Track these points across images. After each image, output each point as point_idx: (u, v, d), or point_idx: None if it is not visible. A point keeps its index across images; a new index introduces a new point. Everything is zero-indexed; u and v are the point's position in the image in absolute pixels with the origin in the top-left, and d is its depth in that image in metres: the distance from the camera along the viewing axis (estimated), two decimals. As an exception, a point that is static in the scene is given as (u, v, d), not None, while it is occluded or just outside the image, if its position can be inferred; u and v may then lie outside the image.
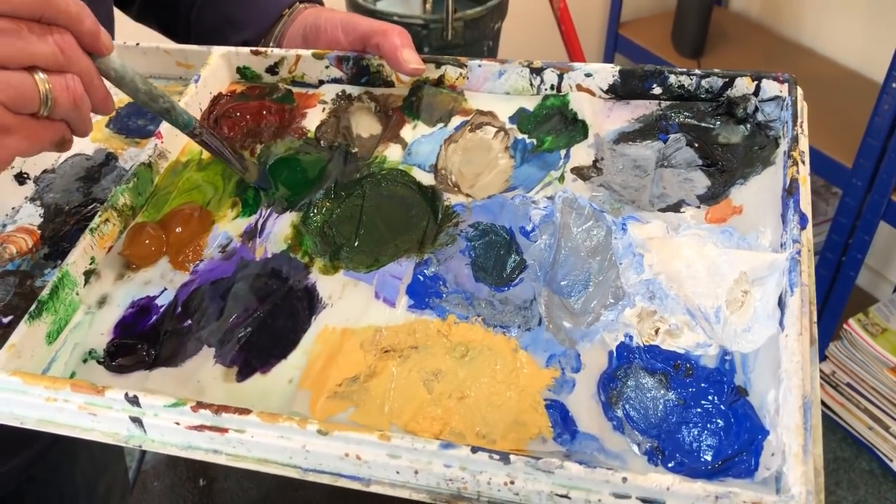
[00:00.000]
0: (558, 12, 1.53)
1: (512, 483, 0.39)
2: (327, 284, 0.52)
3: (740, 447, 0.40)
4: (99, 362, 0.51)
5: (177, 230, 0.56)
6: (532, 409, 0.44)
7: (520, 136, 0.61)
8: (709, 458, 0.40)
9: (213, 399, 0.45)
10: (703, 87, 0.60)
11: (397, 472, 0.41)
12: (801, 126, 0.54)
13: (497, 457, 0.38)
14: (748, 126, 0.58)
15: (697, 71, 0.59)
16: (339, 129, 0.63)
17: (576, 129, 0.60)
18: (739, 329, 0.45)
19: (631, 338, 0.47)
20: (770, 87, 0.58)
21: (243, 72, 0.67)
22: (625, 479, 0.37)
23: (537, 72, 0.62)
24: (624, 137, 0.59)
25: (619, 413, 0.43)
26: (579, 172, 0.57)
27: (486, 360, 0.47)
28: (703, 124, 0.59)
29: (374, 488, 0.42)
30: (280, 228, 0.56)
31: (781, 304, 0.45)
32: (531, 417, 0.43)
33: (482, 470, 0.39)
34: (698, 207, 0.53)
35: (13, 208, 0.62)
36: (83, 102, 0.44)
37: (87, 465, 0.79)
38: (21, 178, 0.64)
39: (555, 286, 0.50)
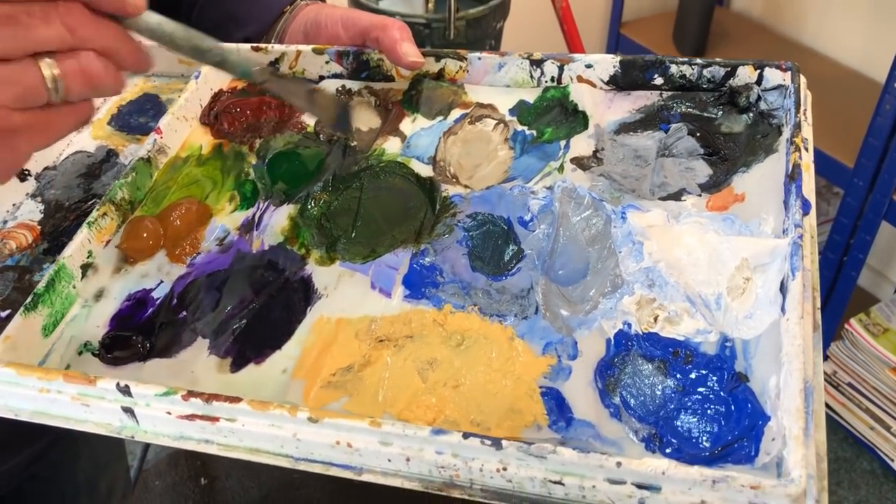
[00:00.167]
0: (560, 11, 1.53)
1: (504, 469, 0.38)
2: (323, 275, 0.52)
3: (740, 433, 0.39)
4: (94, 354, 0.50)
5: (175, 223, 0.56)
6: (527, 397, 0.43)
7: (520, 127, 0.60)
8: (707, 444, 0.39)
9: (207, 390, 0.45)
10: (705, 76, 0.59)
11: (389, 460, 0.40)
12: (805, 114, 0.53)
13: (489, 442, 0.37)
14: (751, 115, 0.57)
15: (699, 60, 0.58)
16: (339, 123, 0.63)
17: (576, 120, 0.60)
18: (741, 316, 0.44)
19: (630, 325, 0.46)
20: (773, 76, 0.57)
21: (244, 69, 0.67)
22: (619, 464, 0.36)
23: (537, 64, 0.61)
24: (625, 128, 0.58)
25: (617, 400, 0.42)
26: (579, 162, 0.56)
27: (481, 348, 0.46)
28: (705, 114, 0.58)
29: (365, 477, 0.41)
30: (277, 221, 0.56)
31: (783, 289, 0.44)
32: (526, 405, 0.42)
33: (474, 456, 0.38)
34: (699, 196, 0.52)
35: (14, 205, 0.62)
36: (102, 79, 0.39)
37: (88, 463, 0.78)
38: (22, 175, 0.64)
39: (552, 275, 0.49)
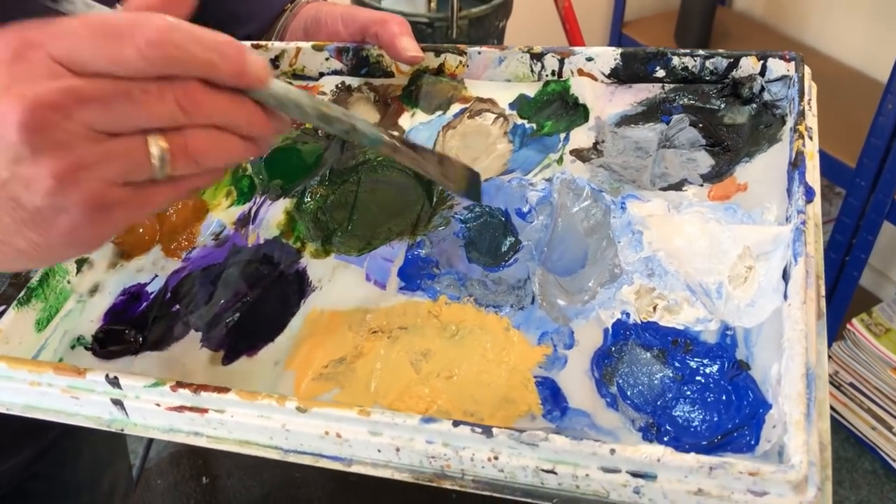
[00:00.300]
0: (562, 10, 1.53)
1: (496, 458, 0.37)
2: (317, 268, 0.51)
3: (741, 421, 0.38)
4: (87, 349, 0.50)
5: (170, 218, 0.56)
6: (522, 387, 0.42)
7: (519, 121, 0.59)
8: (706, 433, 0.38)
9: (198, 382, 0.44)
10: (708, 68, 0.58)
11: (378, 451, 0.39)
12: (809, 103, 0.52)
13: (479, 430, 0.36)
14: (754, 106, 0.56)
15: (701, 52, 0.57)
16: (338, 120, 0.62)
17: (577, 113, 0.59)
18: (742, 304, 0.43)
19: (628, 315, 0.44)
20: (776, 67, 0.56)
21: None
22: (613, 452, 0.34)
23: (538, 57, 0.61)
24: (626, 120, 0.57)
25: (614, 390, 0.41)
26: (579, 154, 0.55)
27: (476, 339, 0.45)
28: (708, 106, 0.57)
29: (355, 468, 0.40)
30: (273, 215, 0.55)
31: (786, 276, 0.43)
32: (520, 394, 0.41)
33: (465, 445, 0.37)
34: (701, 185, 0.51)
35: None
36: (210, 156, 0.36)
37: (90, 461, 0.78)
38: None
39: (550, 265, 0.48)
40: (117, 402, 0.43)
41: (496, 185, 0.54)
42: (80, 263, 0.54)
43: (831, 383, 1.55)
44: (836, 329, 1.55)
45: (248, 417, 0.41)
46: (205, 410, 0.41)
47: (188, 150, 0.35)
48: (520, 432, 0.36)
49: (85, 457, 0.77)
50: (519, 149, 0.57)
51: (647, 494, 0.35)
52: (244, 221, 0.55)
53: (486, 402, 0.41)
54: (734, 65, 0.57)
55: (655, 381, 0.41)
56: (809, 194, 0.46)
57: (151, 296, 0.52)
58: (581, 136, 0.56)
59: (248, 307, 0.50)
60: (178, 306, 0.51)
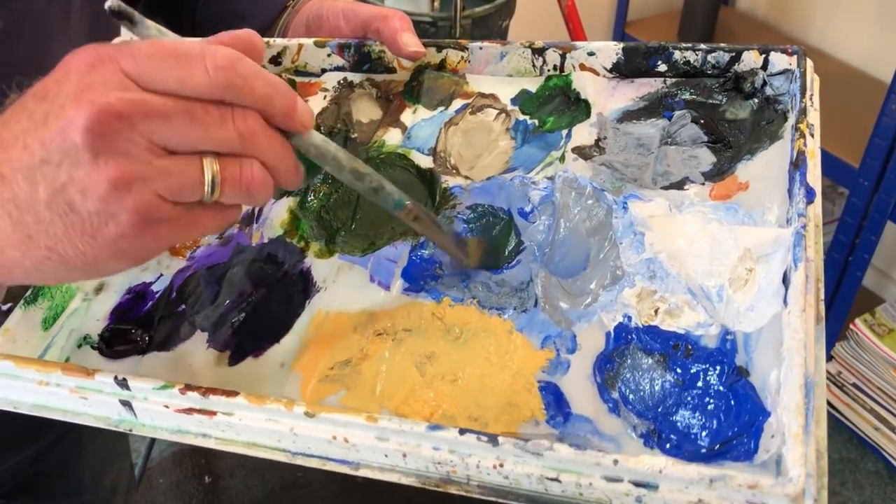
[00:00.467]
0: (566, 10, 1.52)
1: (501, 466, 0.37)
2: (322, 268, 0.52)
3: (740, 429, 0.38)
4: (93, 348, 0.50)
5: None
6: (525, 391, 0.42)
7: (521, 117, 0.59)
8: (706, 440, 0.39)
9: (205, 383, 0.44)
10: (710, 62, 0.58)
11: (386, 456, 0.40)
12: (811, 98, 0.52)
13: (485, 439, 0.37)
14: (756, 101, 0.56)
15: (703, 46, 0.57)
16: (340, 115, 0.62)
17: (579, 108, 0.59)
18: (742, 308, 0.44)
19: (630, 318, 0.45)
20: (778, 61, 0.56)
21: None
22: (616, 462, 0.35)
23: (539, 52, 0.60)
24: (628, 116, 0.57)
25: (616, 395, 0.42)
26: (581, 152, 0.55)
27: (480, 342, 0.45)
28: (710, 101, 0.57)
29: (362, 472, 0.41)
30: (277, 214, 0.55)
31: (786, 280, 0.43)
32: (524, 399, 0.42)
33: (471, 453, 0.38)
34: (703, 184, 0.52)
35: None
36: (259, 189, 0.37)
37: (92, 460, 0.79)
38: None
39: (552, 267, 0.49)
40: (126, 403, 0.44)
41: (498, 183, 0.54)
42: (85, 262, 0.54)
43: (834, 384, 1.56)
44: (839, 329, 1.56)
45: (257, 421, 0.41)
46: (213, 413, 0.42)
47: (240, 179, 0.36)
48: (525, 441, 0.36)
49: (87, 455, 0.78)
50: (521, 146, 0.57)
51: (648, 503, 0.35)
52: (248, 220, 0.55)
53: (490, 406, 0.42)
54: (736, 59, 0.57)
55: (657, 387, 0.42)
56: (810, 195, 0.46)
57: (157, 295, 0.52)
58: (583, 133, 0.56)
59: (254, 307, 0.50)
60: (183, 306, 0.51)
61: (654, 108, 0.58)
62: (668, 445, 0.39)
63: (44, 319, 0.51)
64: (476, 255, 0.50)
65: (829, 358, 1.57)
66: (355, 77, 0.64)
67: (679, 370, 0.42)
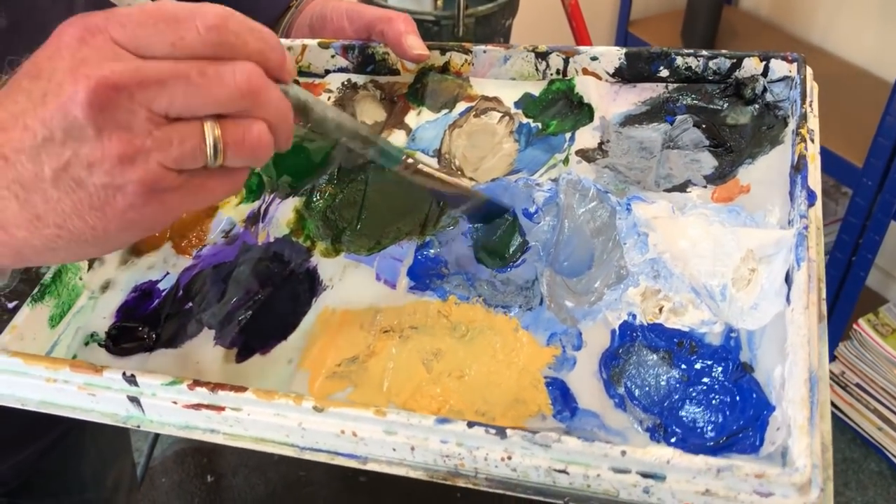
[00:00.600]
0: (569, 9, 1.53)
1: (509, 458, 0.38)
2: (328, 267, 0.52)
3: (745, 423, 0.39)
4: (100, 345, 0.51)
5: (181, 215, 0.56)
6: (532, 387, 0.43)
7: (525, 120, 0.60)
8: (712, 434, 0.39)
9: (212, 380, 0.45)
10: (711, 68, 0.59)
11: (394, 450, 0.40)
12: (811, 105, 0.53)
13: (493, 431, 0.37)
14: (756, 107, 0.57)
15: (704, 52, 0.58)
16: (344, 116, 0.63)
17: (581, 112, 0.59)
18: (746, 306, 0.44)
19: (634, 316, 0.46)
20: (779, 67, 0.57)
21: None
22: (623, 453, 0.36)
23: (543, 56, 0.61)
24: (630, 120, 0.58)
25: (621, 390, 0.42)
26: (584, 155, 0.56)
27: (486, 339, 0.46)
28: (711, 106, 0.58)
29: (370, 466, 0.41)
30: (283, 213, 0.56)
31: (788, 280, 0.44)
32: (531, 395, 0.43)
33: (479, 445, 0.38)
34: (705, 187, 0.52)
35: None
36: (262, 148, 0.36)
37: (95, 459, 0.79)
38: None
39: (557, 266, 0.49)
40: (134, 400, 0.44)
41: (503, 185, 0.55)
42: (92, 260, 0.54)
43: (837, 384, 1.56)
44: (842, 329, 1.56)
45: (265, 416, 0.42)
46: (222, 408, 0.42)
47: (242, 140, 0.35)
48: (533, 433, 0.37)
49: (89, 454, 0.78)
50: (525, 148, 0.58)
51: (655, 494, 0.36)
52: (254, 219, 0.56)
53: (497, 402, 0.43)
54: (737, 65, 0.58)
55: (662, 383, 0.42)
56: (811, 198, 0.47)
57: (163, 293, 0.53)
58: (586, 137, 0.57)
59: (261, 305, 0.50)
60: (190, 304, 0.51)
61: (656, 112, 0.58)
62: (673, 439, 0.40)
63: (51, 317, 0.51)
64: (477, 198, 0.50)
65: (833, 358, 1.57)
66: (359, 79, 0.65)
67: (684, 366, 0.43)
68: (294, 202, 0.56)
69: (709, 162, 0.54)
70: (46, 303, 0.51)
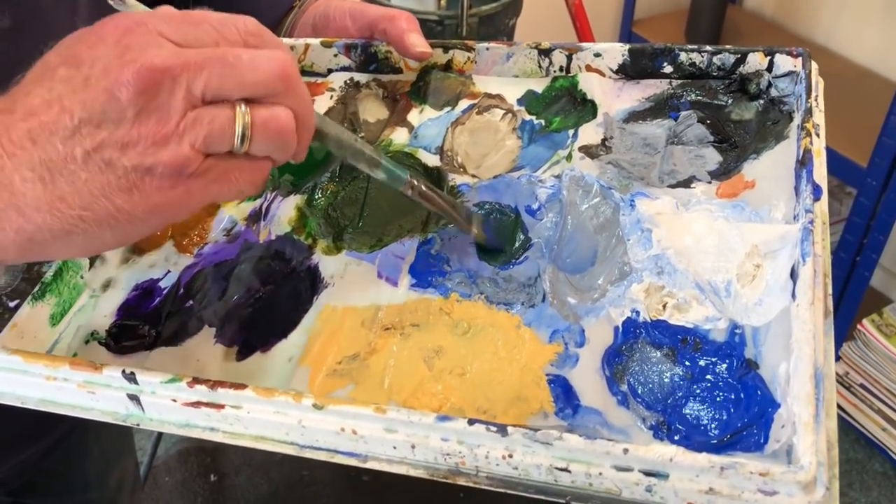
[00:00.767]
0: (573, 9, 1.53)
1: (510, 456, 0.37)
2: (330, 264, 0.52)
3: (749, 420, 0.38)
4: (101, 343, 0.50)
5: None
6: (534, 385, 0.42)
7: (528, 117, 0.60)
8: (716, 431, 0.39)
9: (213, 378, 0.44)
10: (715, 64, 0.58)
11: (394, 448, 0.40)
12: (816, 99, 0.52)
13: (494, 429, 0.37)
14: (761, 102, 0.56)
15: (708, 48, 0.58)
16: (346, 115, 0.63)
17: (585, 109, 0.59)
18: (751, 302, 0.44)
19: (638, 313, 0.45)
20: (783, 62, 0.56)
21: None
22: (626, 451, 0.35)
23: (545, 53, 0.61)
24: (634, 116, 0.58)
25: (624, 388, 0.42)
26: (587, 151, 0.56)
27: (488, 336, 0.45)
28: (715, 102, 0.57)
29: (370, 464, 0.41)
30: (284, 211, 0.56)
31: (794, 275, 0.43)
32: (533, 392, 0.42)
33: (480, 443, 0.38)
34: (709, 183, 0.52)
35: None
36: (289, 137, 0.37)
37: (98, 458, 0.79)
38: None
39: (560, 263, 0.49)
40: (133, 398, 0.44)
41: (505, 181, 0.54)
42: (93, 259, 0.54)
43: (841, 384, 1.56)
44: (846, 330, 1.55)
45: (265, 414, 0.41)
46: (221, 406, 0.42)
47: (269, 124, 0.36)
48: (534, 431, 0.36)
49: (93, 453, 0.78)
50: (528, 145, 0.57)
51: (658, 493, 0.35)
52: (255, 217, 0.55)
53: (498, 399, 0.42)
54: (741, 60, 0.58)
55: (665, 380, 0.42)
56: (817, 192, 0.46)
57: (164, 291, 0.52)
58: (589, 133, 0.57)
59: (262, 303, 0.50)
60: (191, 302, 0.51)
61: (659, 108, 0.58)
62: (677, 437, 0.39)
63: (51, 315, 0.51)
64: (477, 225, 0.51)
65: (837, 358, 1.56)
66: (362, 77, 0.64)
67: (688, 363, 0.42)
68: (296, 200, 0.56)
69: (713, 157, 0.54)
70: (47, 301, 0.51)
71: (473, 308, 0.47)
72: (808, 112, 0.51)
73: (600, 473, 0.36)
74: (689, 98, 0.58)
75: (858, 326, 1.51)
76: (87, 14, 0.57)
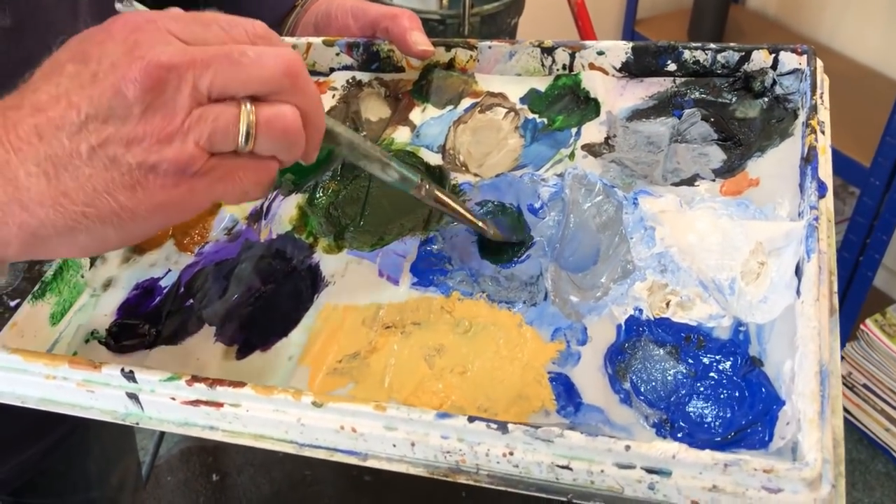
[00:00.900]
0: (575, 8, 1.53)
1: (511, 454, 0.37)
2: (331, 263, 0.51)
3: (754, 418, 0.38)
4: (101, 343, 0.50)
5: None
6: (535, 383, 0.42)
7: (531, 116, 0.59)
8: (720, 429, 0.38)
9: (212, 377, 0.44)
10: (719, 62, 0.58)
11: (394, 446, 0.39)
12: (821, 97, 0.52)
13: (495, 426, 0.37)
14: (766, 100, 0.56)
15: (713, 45, 0.57)
16: (349, 114, 0.62)
17: (588, 107, 0.59)
18: (755, 300, 0.43)
19: (641, 311, 0.45)
20: (788, 60, 0.56)
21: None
22: (628, 448, 0.35)
23: (548, 51, 0.61)
24: (637, 115, 0.57)
25: (627, 386, 0.41)
26: (590, 149, 0.55)
27: (489, 335, 0.45)
28: (720, 100, 0.57)
29: (370, 463, 0.40)
30: (285, 210, 0.55)
31: (799, 272, 0.43)
32: (534, 390, 0.42)
33: (480, 441, 0.37)
34: (713, 181, 0.51)
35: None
36: (295, 135, 0.37)
37: (99, 457, 0.79)
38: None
39: (562, 261, 0.48)
40: (132, 396, 0.44)
41: (508, 180, 0.54)
42: (94, 258, 0.54)
43: (844, 384, 1.55)
44: (849, 330, 1.54)
45: (264, 412, 0.41)
46: (220, 405, 0.42)
47: (274, 122, 0.36)
48: (535, 428, 0.36)
49: (94, 453, 0.78)
50: (530, 144, 0.57)
51: (661, 490, 0.35)
52: (256, 216, 0.55)
53: (499, 398, 0.42)
54: (746, 58, 0.57)
55: (668, 378, 0.41)
56: (822, 189, 0.46)
57: (165, 290, 0.52)
58: (592, 131, 0.56)
59: (262, 302, 0.50)
60: (191, 301, 0.51)
61: (663, 107, 0.58)
62: (680, 435, 0.39)
63: (51, 315, 0.51)
64: (490, 225, 0.50)
65: (840, 358, 1.56)
66: (364, 76, 0.64)
67: (691, 361, 0.42)
68: (297, 199, 0.56)
69: (717, 155, 0.53)
70: (47, 300, 0.51)
71: (475, 307, 0.47)
72: (813, 109, 0.50)
73: (602, 471, 0.36)
74: (692, 96, 0.57)
75: (861, 326, 1.51)
76: (87, 13, 0.57)
